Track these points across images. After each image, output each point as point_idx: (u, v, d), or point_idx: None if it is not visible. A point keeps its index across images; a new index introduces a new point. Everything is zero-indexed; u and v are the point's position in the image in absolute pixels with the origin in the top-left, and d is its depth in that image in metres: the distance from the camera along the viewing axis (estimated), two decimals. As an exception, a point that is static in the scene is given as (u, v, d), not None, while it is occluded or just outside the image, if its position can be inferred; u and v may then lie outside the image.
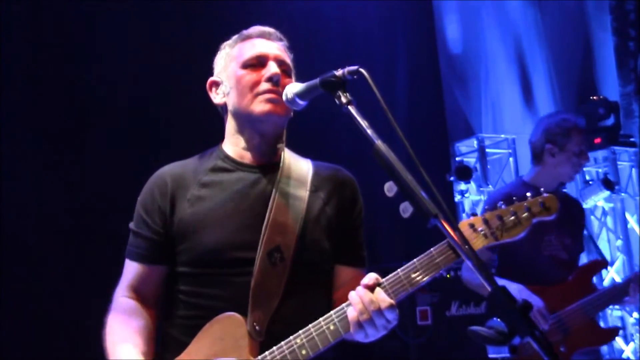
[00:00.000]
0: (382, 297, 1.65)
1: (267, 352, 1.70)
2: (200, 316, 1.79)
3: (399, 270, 1.72)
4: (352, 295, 1.67)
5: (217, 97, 2.00)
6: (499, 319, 1.42)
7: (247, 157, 1.94)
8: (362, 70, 1.61)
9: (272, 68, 1.90)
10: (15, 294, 3.44)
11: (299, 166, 1.97)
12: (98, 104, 3.99)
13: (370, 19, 5.71)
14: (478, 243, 1.71)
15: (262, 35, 1.99)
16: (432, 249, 1.71)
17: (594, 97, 6.76)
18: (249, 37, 2.00)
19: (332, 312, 1.70)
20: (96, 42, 4.04)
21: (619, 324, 6.14)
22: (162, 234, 1.87)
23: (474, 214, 1.73)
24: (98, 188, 3.83)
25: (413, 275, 1.69)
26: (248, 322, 1.73)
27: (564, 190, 3.64)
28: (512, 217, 1.70)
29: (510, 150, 6.26)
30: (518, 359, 3.08)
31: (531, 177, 3.55)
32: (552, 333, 3.21)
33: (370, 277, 1.70)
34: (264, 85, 1.88)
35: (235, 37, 2.03)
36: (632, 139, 6.61)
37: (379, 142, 1.55)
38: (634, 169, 6.73)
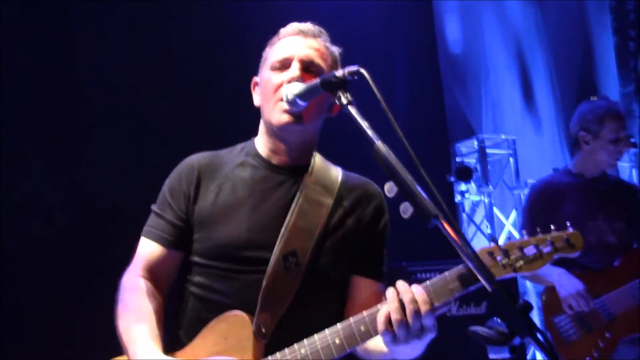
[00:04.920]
0: (423, 298, 1.58)
1: (269, 357, 1.69)
2: (207, 310, 1.78)
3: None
4: (390, 291, 1.60)
5: (256, 98, 1.98)
6: (499, 319, 1.42)
7: (275, 158, 1.92)
8: (362, 70, 1.59)
9: (293, 71, 1.84)
10: (15, 294, 3.44)
11: (327, 173, 1.94)
12: (100, 104, 3.99)
13: (370, 19, 5.70)
14: (495, 273, 1.62)
15: (296, 33, 1.94)
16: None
17: (594, 97, 6.74)
18: (282, 36, 1.96)
19: (338, 324, 1.66)
20: (98, 41, 4.04)
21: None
22: (185, 220, 1.87)
23: (494, 239, 1.66)
24: (99, 189, 3.83)
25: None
26: (254, 323, 1.71)
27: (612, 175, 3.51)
28: (534, 251, 1.63)
29: (510, 151, 6.21)
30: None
31: (574, 164, 3.48)
32: (595, 318, 3.15)
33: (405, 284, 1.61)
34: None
35: (275, 36, 1.98)
36: (632, 140, 6.60)
37: (379, 143, 1.54)
38: (634, 169, 6.72)
